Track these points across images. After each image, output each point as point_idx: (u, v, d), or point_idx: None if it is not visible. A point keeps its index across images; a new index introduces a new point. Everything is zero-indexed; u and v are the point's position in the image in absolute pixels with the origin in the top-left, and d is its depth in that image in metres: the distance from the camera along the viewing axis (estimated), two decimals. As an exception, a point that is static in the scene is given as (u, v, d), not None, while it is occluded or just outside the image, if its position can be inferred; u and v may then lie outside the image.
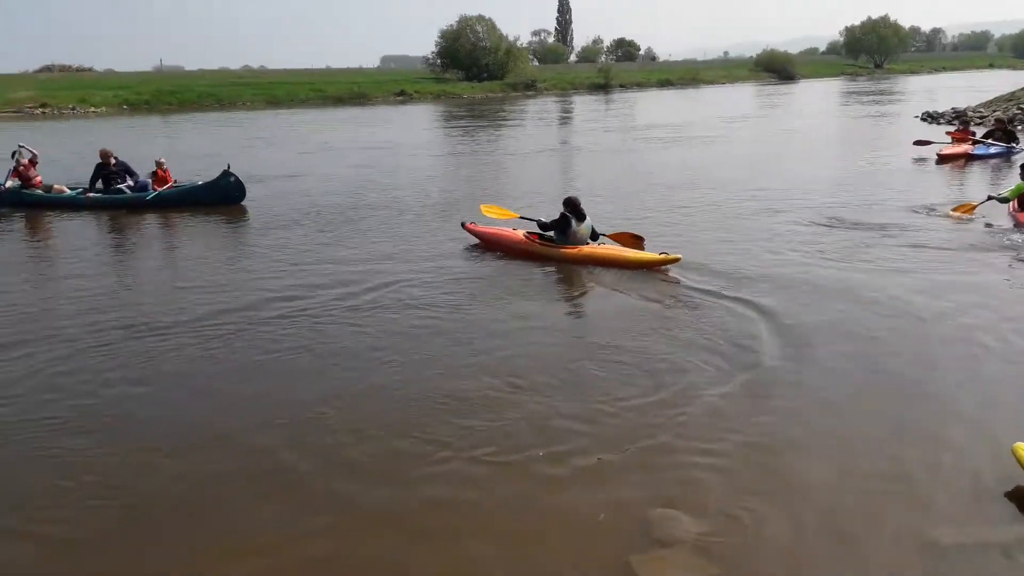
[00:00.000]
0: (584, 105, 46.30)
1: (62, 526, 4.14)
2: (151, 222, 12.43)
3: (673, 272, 8.57)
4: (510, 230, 10.09)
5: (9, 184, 13.38)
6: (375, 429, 5.08)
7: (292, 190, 15.02)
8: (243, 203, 13.28)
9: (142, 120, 38.24)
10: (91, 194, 13.50)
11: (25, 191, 13.45)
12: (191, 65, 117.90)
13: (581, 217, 9.31)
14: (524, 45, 78.50)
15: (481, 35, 64.23)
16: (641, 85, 68.58)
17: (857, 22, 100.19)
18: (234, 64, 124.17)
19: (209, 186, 13.30)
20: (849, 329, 6.71)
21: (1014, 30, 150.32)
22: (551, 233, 9.45)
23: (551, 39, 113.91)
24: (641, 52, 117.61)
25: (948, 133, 19.56)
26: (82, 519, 4.20)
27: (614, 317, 7.33)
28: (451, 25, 65.13)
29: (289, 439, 4.96)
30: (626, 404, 5.34)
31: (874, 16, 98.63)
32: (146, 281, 9.16)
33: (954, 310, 7.10)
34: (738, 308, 7.25)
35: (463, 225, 10.32)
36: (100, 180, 13.51)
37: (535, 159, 20.19)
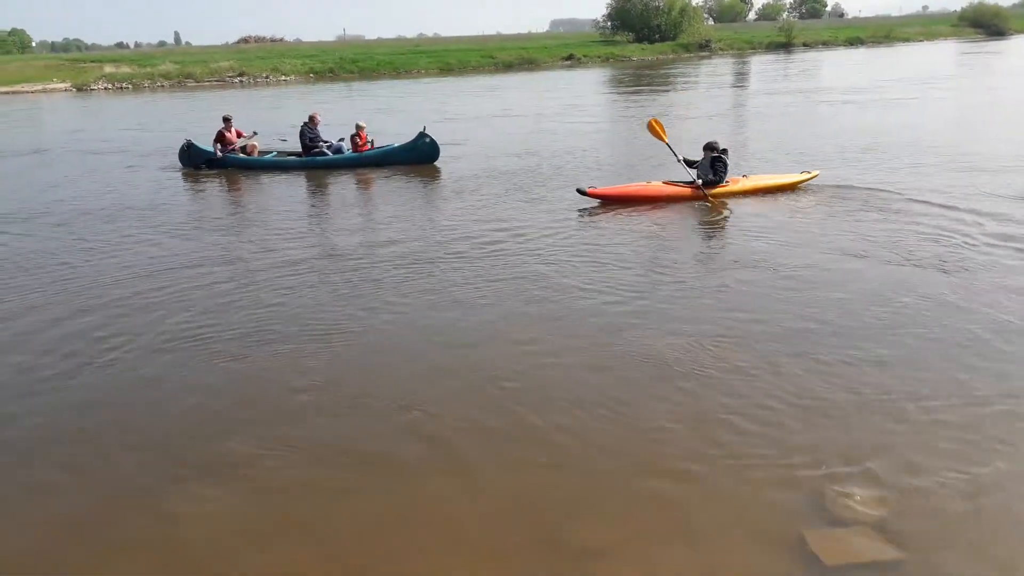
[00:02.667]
0: (761, 65, 43.94)
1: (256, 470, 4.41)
2: (352, 181, 13.20)
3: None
4: (644, 184, 10.46)
5: (218, 149, 14.62)
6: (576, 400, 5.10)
7: (473, 152, 15.46)
8: (435, 163, 14.00)
9: (326, 87, 40.52)
10: (293, 156, 14.49)
11: (229, 155, 14.62)
12: (371, 34, 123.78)
13: (727, 155, 10.33)
14: (699, 3, 75.42)
15: (654, -6, 62.30)
16: (827, 44, 64.11)
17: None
18: (410, 32, 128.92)
19: (406, 147, 14.10)
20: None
21: None
22: (699, 179, 10.26)
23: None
24: (828, 8, 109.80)
25: None
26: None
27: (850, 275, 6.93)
28: (623, -14, 63.63)
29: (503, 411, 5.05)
30: (817, 374, 5.06)
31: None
32: (351, 227, 9.79)
33: None
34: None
35: (583, 192, 10.14)
36: (304, 143, 14.41)
37: (704, 123, 19.39)
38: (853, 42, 65.17)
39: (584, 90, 32.87)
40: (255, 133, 15.21)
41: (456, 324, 6.22)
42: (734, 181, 10.41)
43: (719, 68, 43.73)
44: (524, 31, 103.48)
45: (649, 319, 6.11)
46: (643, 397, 4.85)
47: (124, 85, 45.07)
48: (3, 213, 11.27)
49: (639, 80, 36.41)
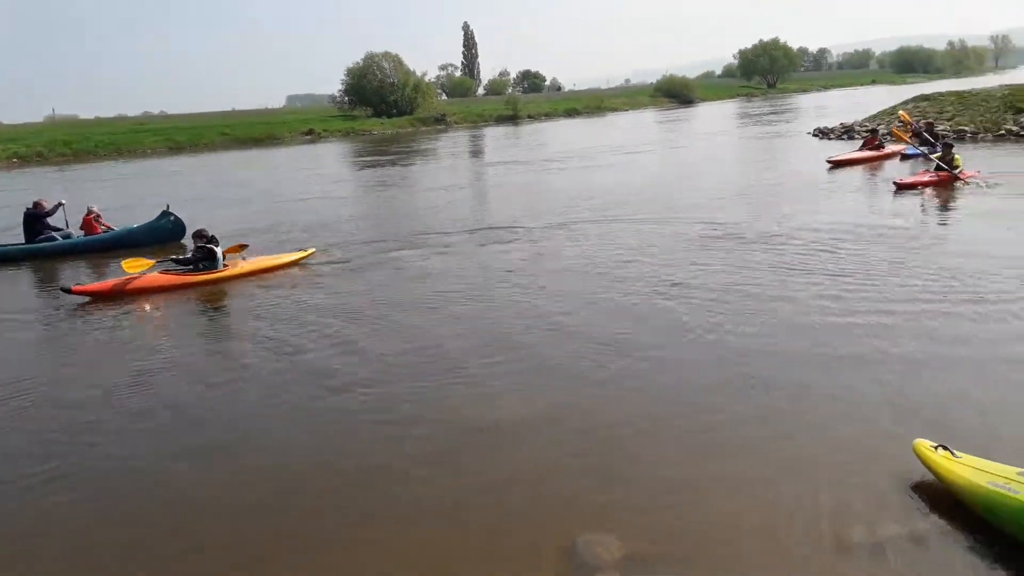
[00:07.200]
0: (495, 138, 46.75)
1: None
2: (86, 266, 12.53)
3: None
4: (139, 275, 10.18)
5: None
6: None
7: (220, 228, 14.77)
8: (183, 241, 13.67)
9: (34, 173, 36.51)
10: (15, 245, 13.36)
11: None
12: (86, 113, 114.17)
13: (217, 243, 10.70)
14: (432, 80, 79.05)
15: (388, 71, 64.31)
16: (549, 115, 69.76)
17: (749, 45, 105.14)
18: (133, 111, 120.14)
19: (148, 227, 13.77)
20: (742, 333, 6.97)
21: (892, 47, 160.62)
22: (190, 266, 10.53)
23: (458, 73, 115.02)
24: (547, 83, 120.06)
25: (864, 137, 22.55)
26: None
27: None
28: (357, 62, 65.14)
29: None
30: (542, 426, 5.40)
31: (765, 39, 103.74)
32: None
33: (849, 309, 7.47)
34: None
35: (68, 291, 9.74)
36: (29, 230, 13.38)
37: (447, 193, 20.25)
38: (571, 113, 71.55)
39: (327, 164, 32.80)
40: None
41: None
42: (234, 264, 10.79)
43: (456, 140, 45.92)
44: (260, 106, 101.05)
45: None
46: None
47: None
48: None
49: (383, 153, 37.08)
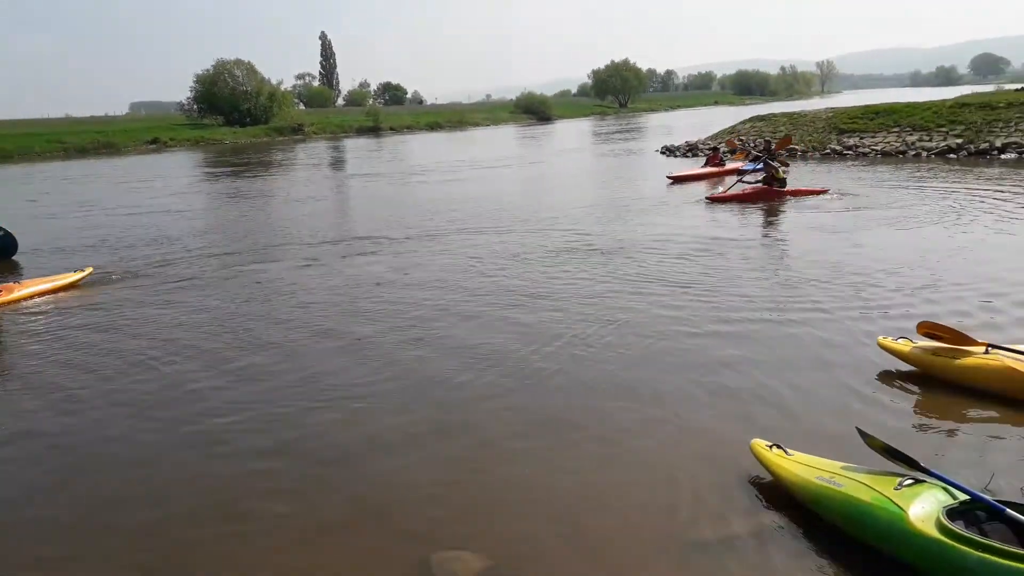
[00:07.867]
0: (356, 150, 46.04)
1: None
2: None
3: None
4: None
5: None
6: None
7: (63, 244, 14.04)
8: (14, 258, 12.66)
9: None
10: None
11: None
12: None
13: None
14: (289, 89, 76.91)
15: (240, 79, 62.03)
16: (411, 128, 69.59)
17: (602, 66, 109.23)
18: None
19: None
20: (568, 344, 7.21)
21: (732, 70, 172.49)
22: None
23: (316, 83, 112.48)
24: (408, 96, 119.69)
25: (707, 154, 23.63)
26: None
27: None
28: (207, 69, 62.44)
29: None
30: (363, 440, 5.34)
31: (616, 60, 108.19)
32: None
33: (685, 319, 7.87)
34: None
35: None
36: None
37: (303, 205, 19.70)
38: (433, 127, 71.71)
39: (172, 176, 31.09)
40: None
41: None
42: (7, 289, 10.00)
43: (315, 151, 44.82)
44: (100, 113, 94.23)
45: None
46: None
47: None
48: None
49: (236, 164, 35.60)
